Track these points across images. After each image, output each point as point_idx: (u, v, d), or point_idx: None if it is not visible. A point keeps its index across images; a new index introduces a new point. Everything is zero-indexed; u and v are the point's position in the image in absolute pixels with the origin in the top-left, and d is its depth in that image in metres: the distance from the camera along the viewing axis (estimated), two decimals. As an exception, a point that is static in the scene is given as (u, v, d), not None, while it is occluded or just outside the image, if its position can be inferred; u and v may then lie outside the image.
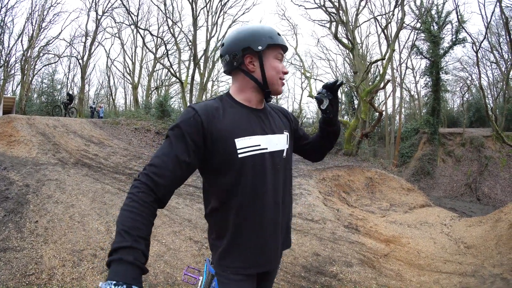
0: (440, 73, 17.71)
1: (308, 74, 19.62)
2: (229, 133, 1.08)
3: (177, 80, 16.49)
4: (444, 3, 17.12)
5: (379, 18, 16.69)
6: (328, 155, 11.57)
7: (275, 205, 1.17)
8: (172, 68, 17.85)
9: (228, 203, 1.10)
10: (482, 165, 16.34)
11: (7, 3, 16.45)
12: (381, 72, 14.99)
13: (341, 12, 14.00)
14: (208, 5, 17.17)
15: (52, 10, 19.55)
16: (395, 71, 21.98)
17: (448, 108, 27.99)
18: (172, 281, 3.22)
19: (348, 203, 7.48)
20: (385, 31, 14.42)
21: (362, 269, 3.92)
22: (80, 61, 20.41)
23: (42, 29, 19.05)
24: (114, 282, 0.74)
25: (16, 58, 19.02)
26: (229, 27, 19.70)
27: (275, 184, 1.17)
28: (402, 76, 22.76)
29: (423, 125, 18.65)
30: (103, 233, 3.93)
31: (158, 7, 19.69)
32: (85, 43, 20.17)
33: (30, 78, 19.55)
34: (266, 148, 1.15)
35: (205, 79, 17.58)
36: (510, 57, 19.07)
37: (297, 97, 51.72)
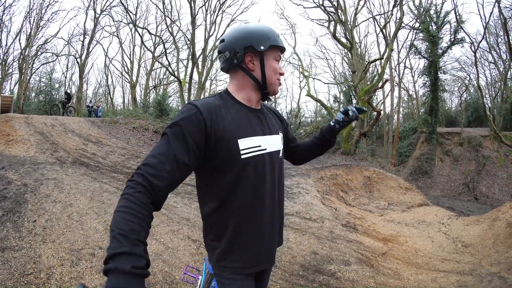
0: (439, 72, 17.75)
1: (306, 73, 19.61)
2: (232, 133, 1.06)
3: (176, 79, 16.48)
4: (442, 3, 17.16)
5: (377, 17, 16.73)
6: (326, 154, 11.58)
7: (273, 205, 1.18)
8: (171, 67, 17.81)
9: (227, 204, 1.09)
10: (480, 165, 16.40)
11: (5, 1, 16.36)
12: (379, 71, 15.01)
13: (339, 11, 14.01)
14: (206, 4, 17.18)
15: (50, 8, 19.50)
16: (393, 70, 22.02)
17: (446, 108, 28.09)
18: (171, 280, 3.22)
19: (346, 202, 7.50)
20: (384, 30, 14.44)
21: (360, 268, 3.93)
22: (78, 59, 20.36)
23: (40, 28, 18.98)
24: None
25: (14, 57, 19.00)
26: (228, 26, 19.69)
27: (272, 184, 1.18)
28: (401, 75, 22.86)
29: (421, 125, 18.70)
30: (101, 232, 3.92)
31: (157, 6, 19.61)
32: (83, 41, 20.16)
33: (28, 77, 19.46)
34: (266, 149, 1.15)
35: (203, 78, 17.56)
36: (508, 57, 19.13)
37: (295, 96, 51.80)
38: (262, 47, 1.12)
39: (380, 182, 9.22)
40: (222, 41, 1.18)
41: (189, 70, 16.12)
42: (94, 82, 52.33)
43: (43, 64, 21.70)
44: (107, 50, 44.52)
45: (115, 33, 23.95)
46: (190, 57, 16.95)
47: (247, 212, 1.10)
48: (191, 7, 14.97)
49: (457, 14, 15.03)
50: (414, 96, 27.08)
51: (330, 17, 14.70)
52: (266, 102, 1.32)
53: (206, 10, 17.72)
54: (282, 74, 1.22)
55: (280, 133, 1.28)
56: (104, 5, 19.43)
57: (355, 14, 16.28)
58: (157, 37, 21.63)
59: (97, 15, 19.24)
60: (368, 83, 16.68)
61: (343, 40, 14.71)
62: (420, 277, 3.87)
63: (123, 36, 47.41)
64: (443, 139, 18.53)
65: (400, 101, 22.30)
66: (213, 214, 1.13)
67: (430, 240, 5.25)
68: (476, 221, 5.84)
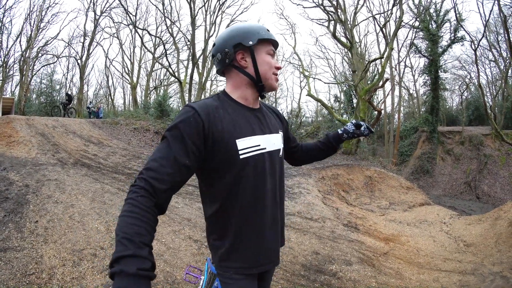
0: (439, 71, 17.73)
1: (306, 73, 19.59)
2: (230, 133, 1.06)
3: (176, 79, 16.48)
4: (442, 2, 17.20)
5: (377, 16, 16.65)
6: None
7: (274, 204, 1.17)
8: (171, 68, 17.82)
9: (228, 204, 1.09)
10: (481, 164, 16.37)
11: (5, 3, 16.41)
12: (379, 70, 14.98)
13: (339, 10, 13.99)
14: (206, 5, 17.15)
15: (50, 10, 19.67)
16: (393, 69, 21.99)
17: (447, 107, 28.04)
18: (172, 280, 3.23)
19: (347, 201, 7.49)
20: (384, 29, 14.41)
21: (361, 268, 3.93)
22: (79, 61, 20.35)
23: (40, 30, 18.99)
24: None
25: (14, 59, 18.97)
26: (227, 26, 19.68)
27: (273, 183, 1.17)
28: (401, 74, 22.83)
29: (422, 124, 18.68)
30: (103, 233, 3.93)
31: (156, 7, 19.69)
32: (83, 43, 20.14)
33: (29, 79, 19.48)
34: (265, 148, 1.15)
35: (203, 78, 17.55)
36: (508, 55, 19.08)
37: (296, 96, 51.81)
38: (250, 42, 1.12)
39: (382, 181, 9.21)
40: (214, 45, 1.19)
41: (189, 71, 16.13)
42: (95, 84, 52.47)
43: (44, 65, 21.75)
44: (108, 51, 44.59)
45: (115, 35, 23.97)
46: (190, 58, 16.95)
47: (248, 212, 1.10)
48: (190, 8, 14.98)
49: (456, 12, 15.02)
50: (415, 95, 27.03)
51: (330, 16, 14.67)
52: (264, 100, 1.31)
53: (206, 11, 17.71)
54: (278, 68, 1.21)
55: (280, 132, 1.28)
56: (104, 7, 19.40)
57: (355, 13, 16.23)
58: (157, 38, 21.63)
59: (97, 17, 19.23)
60: (369, 82, 16.66)
61: (343, 39, 14.69)
62: (422, 277, 3.86)
63: (123, 38, 47.55)
64: (444, 138, 18.51)
65: (400, 100, 22.31)
66: (215, 215, 1.13)
67: (432, 239, 5.24)
68: (478, 220, 5.82)
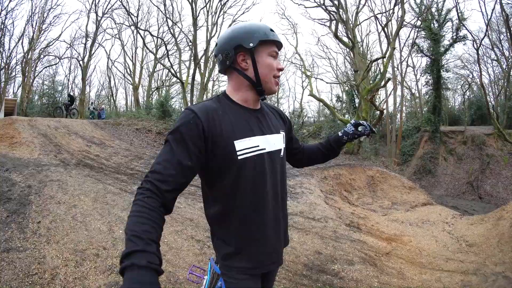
0: (441, 71, 17.69)
1: (308, 73, 19.61)
2: (228, 135, 1.06)
3: (178, 80, 16.51)
4: (444, 1, 17.13)
5: (379, 16, 16.67)
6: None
7: (276, 205, 1.17)
8: (173, 69, 17.87)
9: (229, 205, 1.10)
10: (484, 163, 16.29)
11: (7, 5, 16.49)
12: (381, 70, 14.95)
13: (341, 10, 13.98)
14: (208, 5, 17.21)
15: (52, 12, 19.63)
16: (395, 69, 21.93)
17: (449, 106, 27.95)
18: (174, 280, 3.23)
19: (349, 201, 7.48)
20: (385, 29, 14.41)
21: (363, 268, 3.92)
22: (81, 62, 20.46)
23: (42, 31, 19.12)
24: None
25: (17, 60, 19.09)
26: (229, 26, 19.65)
27: (274, 184, 1.17)
28: (403, 74, 22.72)
29: (424, 124, 18.62)
30: (105, 233, 3.94)
31: (158, 8, 19.73)
32: (85, 44, 20.23)
33: (31, 80, 19.61)
34: (265, 148, 1.14)
35: (205, 79, 17.60)
36: (511, 55, 19.02)
37: (298, 96, 51.81)
38: (251, 44, 1.10)
39: (384, 181, 9.19)
40: (216, 44, 1.19)
41: (191, 71, 16.16)
42: (97, 84, 52.52)
43: (46, 67, 21.87)
44: (109, 52, 44.63)
45: (117, 36, 24.04)
46: (192, 58, 16.98)
47: (249, 212, 1.10)
48: (192, 8, 15.02)
49: (458, 11, 15.01)
50: (417, 94, 26.97)
51: (332, 16, 14.67)
52: (265, 100, 1.30)
53: (208, 11, 17.76)
54: (280, 69, 1.19)
55: (281, 132, 1.27)
56: (106, 8, 19.51)
57: (357, 13, 16.20)
58: (159, 39, 21.69)
59: (98, 18, 19.33)
60: (371, 82, 16.62)
61: (345, 39, 14.69)
62: (424, 277, 3.85)
63: (125, 39, 47.69)
64: (446, 138, 18.43)
65: (402, 100, 22.18)
66: (217, 215, 1.14)
67: (434, 239, 5.22)
68: (480, 220, 5.79)
